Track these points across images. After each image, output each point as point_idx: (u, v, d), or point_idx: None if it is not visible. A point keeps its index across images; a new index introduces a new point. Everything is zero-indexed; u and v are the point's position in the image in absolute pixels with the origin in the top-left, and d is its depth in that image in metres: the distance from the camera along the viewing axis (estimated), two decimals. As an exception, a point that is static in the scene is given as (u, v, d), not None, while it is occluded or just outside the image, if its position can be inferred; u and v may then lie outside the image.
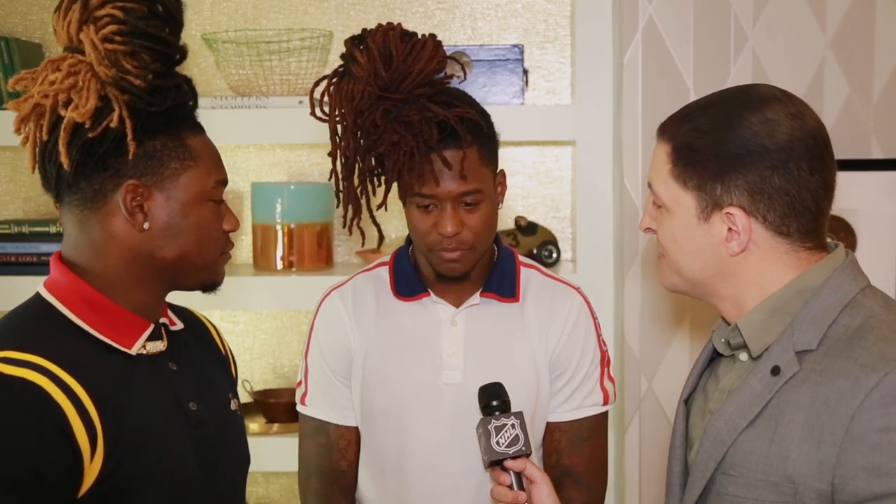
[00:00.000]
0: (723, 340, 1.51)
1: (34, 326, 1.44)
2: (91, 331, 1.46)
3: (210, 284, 1.58)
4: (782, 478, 1.35)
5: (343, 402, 1.97)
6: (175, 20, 1.50)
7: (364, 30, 1.86)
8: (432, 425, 1.91)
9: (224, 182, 1.56)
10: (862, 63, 2.64)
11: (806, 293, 1.42)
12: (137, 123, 1.44)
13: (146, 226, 1.47)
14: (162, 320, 1.57)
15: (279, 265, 2.72)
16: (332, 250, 2.81)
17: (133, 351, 1.48)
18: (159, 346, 1.55)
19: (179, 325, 1.62)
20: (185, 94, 1.53)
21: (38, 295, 1.50)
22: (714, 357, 1.56)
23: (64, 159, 1.43)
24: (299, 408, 2.01)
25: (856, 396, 1.31)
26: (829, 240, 1.48)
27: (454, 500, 1.91)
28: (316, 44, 2.69)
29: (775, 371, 1.39)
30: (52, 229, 2.70)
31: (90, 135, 1.43)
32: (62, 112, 1.43)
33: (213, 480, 1.55)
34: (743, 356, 1.48)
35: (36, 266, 2.66)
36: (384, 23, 1.86)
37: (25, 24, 2.95)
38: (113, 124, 1.43)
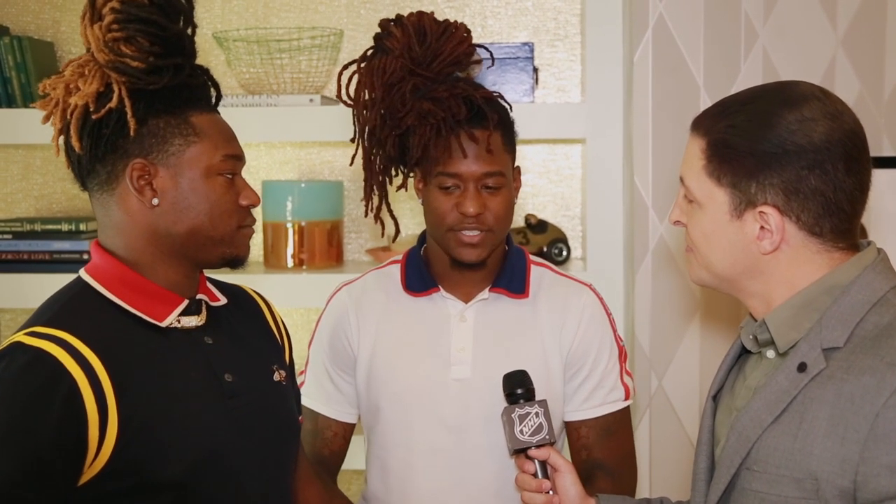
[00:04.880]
0: (751, 337, 1.50)
1: (68, 304, 1.53)
2: (124, 305, 1.53)
3: (231, 259, 1.61)
4: (805, 474, 1.34)
5: (336, 397, 2.00)
6: (172, 6, 1.57)
7: (398, 14, 1.93)
8: (440, 420, 1.91)
9: (235, 156, 1.60)
10: (873, 60, 2.63)
11: (836, 290, 1.41)
12: (139, 104, 1.52)
13: (155, 202, 1.54)
14: (200, 296, 1.63)
15: (290, 263, 2.72)
16: (343, 248, 2.82)
17: (164, 323, 1.55)
18: (194, 320, 1.60)
19: (222, 301, 1.67)
20: (188, 75, 1.58)
21: (78, 278, 1.58)
22: (742, 354, 1.56)
23: (75, 142, 1.53)
24: None
25: (881, 394, 1.30)
26: (861, 239, 1.47)
27: (459, 496, 1.91)
28: (326, 42, 2.70)
29: (801, 368, 1.38)
30: (64, 227, 2.70)
31: (94, 116, 1.52)
32: (71, 101, 1.53)
33: (255, 448, 1.60)
34: (770, 353, 1.47)
35: (48, 264, 2.66)
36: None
37: (38, 23, 2.96)
38: (112, 104, 1.51)
